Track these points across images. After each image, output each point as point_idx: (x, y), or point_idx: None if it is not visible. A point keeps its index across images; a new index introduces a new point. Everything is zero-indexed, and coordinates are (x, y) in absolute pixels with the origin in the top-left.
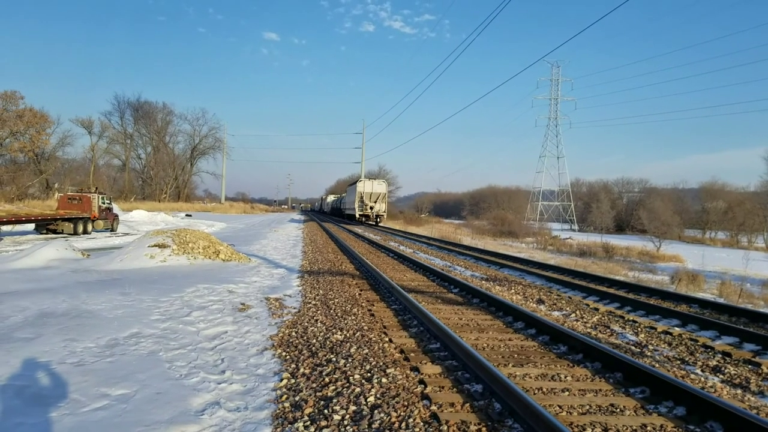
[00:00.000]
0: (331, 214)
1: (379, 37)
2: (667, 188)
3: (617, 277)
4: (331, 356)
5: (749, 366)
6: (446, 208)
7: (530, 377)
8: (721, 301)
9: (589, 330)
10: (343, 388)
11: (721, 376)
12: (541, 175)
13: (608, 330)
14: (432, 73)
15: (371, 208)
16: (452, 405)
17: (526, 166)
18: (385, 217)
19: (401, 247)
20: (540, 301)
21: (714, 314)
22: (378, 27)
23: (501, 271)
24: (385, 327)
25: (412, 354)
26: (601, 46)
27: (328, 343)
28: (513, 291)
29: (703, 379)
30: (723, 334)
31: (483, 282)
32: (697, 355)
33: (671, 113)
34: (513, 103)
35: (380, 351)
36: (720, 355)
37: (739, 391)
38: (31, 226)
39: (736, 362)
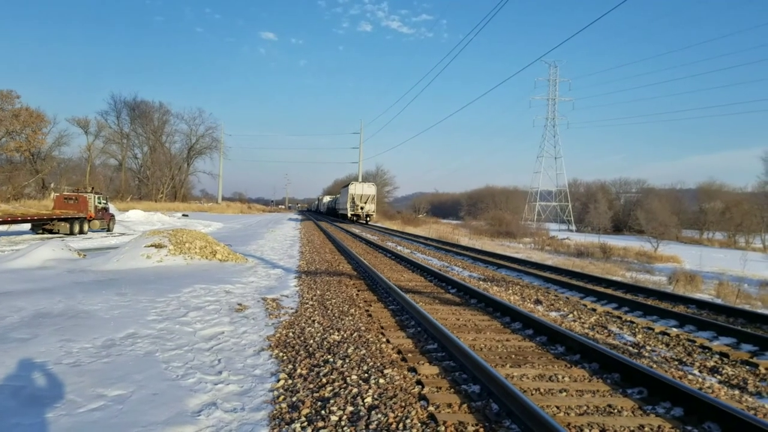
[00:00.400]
0: (327, 214)
1: (376, 37)
2: (664, 189)
3: (615, 278)
4: (329, 357)
5: (747, 367)
6: (444, 208)
7: (528, 378)
8: (719, 301)
9: (586, 330)
10: (340, 389)
11: (719, 377)
12: (538, 176)
13: (606, 330)
14: (429, 72)
15: (362, 208)
16: (450, 406)
17: (524, 167)
18: (374, 216)
19: (399, 248)
20: (538, 302)
21: (711, 315)
22: (375, 27)
23: (498, 272)
24: (382, 327)
25: (410, 354)
26: (600, 47)
27: (325, 343)
28: (511, 291)
29: (700, 379)
30: (720, 334)
31: (480, 282)
32: (695, 355)
33: (669, 114)
34: (511, 104)
35: (377, 351)
36: (717, 356)
37: (736, 392)
38: (27, 226)
39: (733, 363)
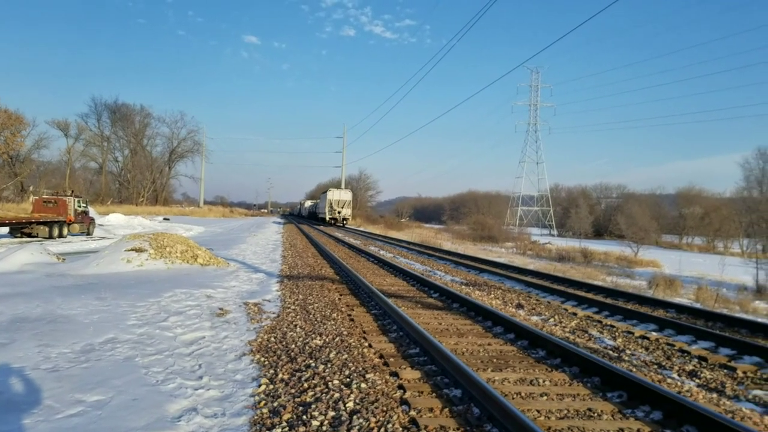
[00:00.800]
0: (309, 218)
1: (359, 41)
2: (644, 194)
3: (595, 282)
4: (310, 361)
5: (725, 370)
6: (427, 212)
7: (509, 382)
8: (698, 306)
9: (567, 334)
10: (322, 394)
11: (698, 381)
12: (520, 181)
13: (586, 334)
14: (413, 77)
15: (339, 212)
16: (431, 410)
17: (506, 172)
18: (350, 219)
19: (381, 252)
20: (519, 306)
21: (690, 319)
22: (359, 32)
23: (481, 276)
24: (364, 332)
25: (392, 359)
26: (582, 53)
27: (307, 348)
28: (493, 296)
29: (679, 383)
30: (699, 338)
31: (463, 287)
32: (674, 359)
33: (650, 119)
34: (493, 109)
35: (359, 356)
36: (696, 360)
37: (714, 396)
38: (5, 230)
39: (711, 367)
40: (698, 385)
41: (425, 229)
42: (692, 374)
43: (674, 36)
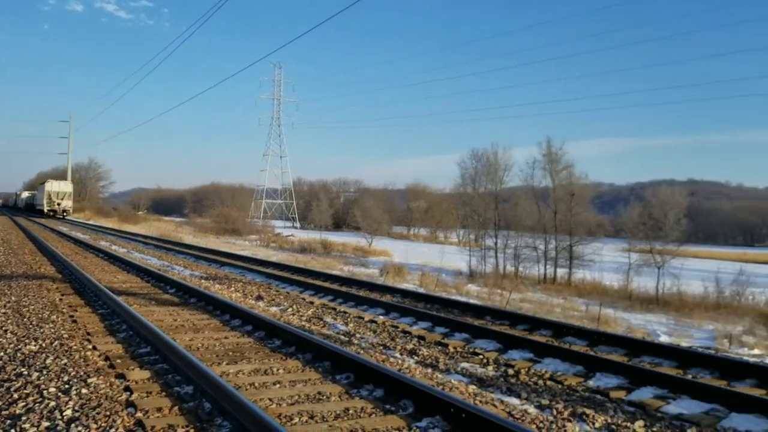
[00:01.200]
0: (26, 211)
1: (89, 18)
2: (378, 189)
3: (333, 272)
4: (23, 369)
5: (439, 347)
6: (167, 205)
7: (243, 373)
8: (421, 290)
9: (303, 323)
10: (35, 404)
11: (416, 358)
12: (264, 174)
13: (321, 322)
14: (151, 61)
15: (58, 204)
16: (159, 410)
17: (251, 165)
18: (70, 211)
19: (113, 247)
20: (259, 298)
21: (413, 302)
22: (88, 7)
23: (222, 270)
24: (88, 333)
25: (119, 360)
26: (324, 51)
27: (19, 355)
28: (233, 289)
29: (400, 361)
30: (420, 319)
31: (202, 281)
32: (397, 340)
33: (383, 120)
34: (238, 101)
35: (81, 360)
36: (416, 339)
37: (430, 370)
38: None
39: (428, 344)
40: (416, 362)
41: (165, 222)
42: (412, 352)
43: (413, 39)
